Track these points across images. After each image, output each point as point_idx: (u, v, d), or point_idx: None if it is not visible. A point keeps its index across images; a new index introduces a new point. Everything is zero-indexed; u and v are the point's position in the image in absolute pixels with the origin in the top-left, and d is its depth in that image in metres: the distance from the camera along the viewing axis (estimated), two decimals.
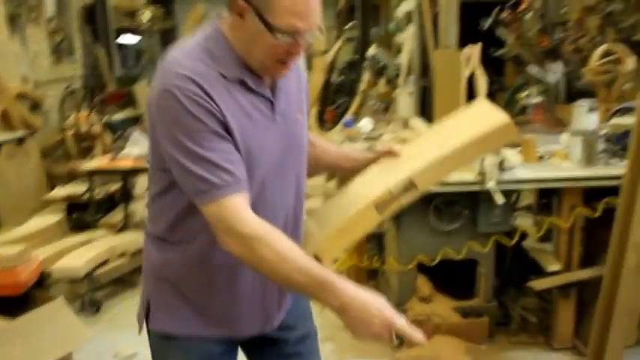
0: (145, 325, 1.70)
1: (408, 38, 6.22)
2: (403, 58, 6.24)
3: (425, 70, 5.80)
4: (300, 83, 1.68)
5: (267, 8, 1.39)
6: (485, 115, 1.94)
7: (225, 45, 1.48)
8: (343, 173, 2.02)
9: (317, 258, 1.69)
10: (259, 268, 1.43)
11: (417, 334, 1.38)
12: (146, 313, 1.66)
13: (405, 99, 5.86)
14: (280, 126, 1.55)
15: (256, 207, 1.47)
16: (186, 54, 1.47)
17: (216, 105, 1.41)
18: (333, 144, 2.11)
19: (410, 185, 1.78)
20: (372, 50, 6.51)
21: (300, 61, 1.63)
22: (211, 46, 1.48)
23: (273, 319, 1.69)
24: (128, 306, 4.10)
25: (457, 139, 1.86)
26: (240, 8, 1.43)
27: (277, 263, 1.39)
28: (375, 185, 1.81)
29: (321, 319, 2.04)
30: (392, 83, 6.31)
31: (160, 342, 1.69)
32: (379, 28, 7.87)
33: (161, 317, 1.64)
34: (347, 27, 8.29)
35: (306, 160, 1.69)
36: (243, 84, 1.49)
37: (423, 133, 2.17)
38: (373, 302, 1.38)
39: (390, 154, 1.89)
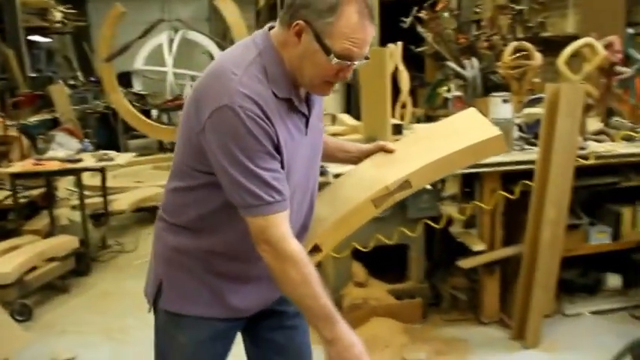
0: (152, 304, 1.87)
1: None
2: None
3: None
4: None
5: (327, 32, 1.53)
6: (476, 125, 2.11)
7: (278, 61, 1.62)
8: (337, 162, 2.19)
9: (317, 247, 1.92)
10: (280, 282, 1.63)
11: None
12: (156, 293, 1.82)
13: (330, 97, 6.16)
14: (309, 138, 1.74)
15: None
16: (246, 71, 1.57)
17: (273, 126, 1.56)
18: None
19: (405, 184, 1.95)
20: None
21: None
22: (266, 62, 1.60)
23: (274, 298, 1.91)
24: (61, 311, 4.18)
25: (451, 145, 2.03)
26: (300, 28, 1.55)
27: (298, 285, 1.60)
28: (372, 181, 1.98)
29: None
30: None
31: (169, 320, 1.84)
32: None
33: (173, 298, 1.80)
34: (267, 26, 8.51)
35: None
36: (289, 102, 1.64)
37: (415, 135, 2.37)
38: (358, 346, 1.64)
39: (383, 150, 2.07)
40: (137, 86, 9.67)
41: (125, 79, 9.04)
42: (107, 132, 8.23)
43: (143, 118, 7.19)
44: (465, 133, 2.07)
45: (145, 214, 5.84)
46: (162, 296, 1.82)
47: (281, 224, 1.60)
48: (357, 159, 2.11)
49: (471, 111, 2.22)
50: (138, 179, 6.69)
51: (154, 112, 8.79)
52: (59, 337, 3.75)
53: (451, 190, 4.92)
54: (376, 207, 1.94)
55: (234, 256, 1.74)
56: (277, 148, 1.60)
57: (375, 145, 2.10)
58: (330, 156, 2.15)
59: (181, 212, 1.75)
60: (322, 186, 2.10)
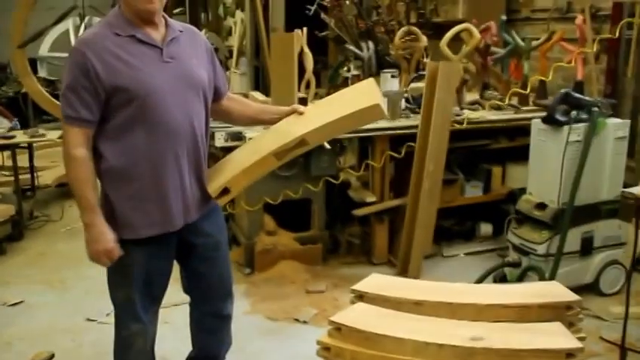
0: None
1: (237, 22, 7.32)
2: (234, 41, 7.33)
3: (257, 51, 6.94)
4: (195, 41, 2.62)
5: None
6: (365, 95, 2.71)
7: (119, 13, 2.40)
8: (262, 124, 2.86)
9: (227, 189, 2.60)
10: (67, 176, 2.42)
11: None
12: None
13: (238, 79, 6.95)
14: (173, 65, 2.43)
15: (159, 123, 2.40)
16: (90, 29, 2.44)
17: (93, 65, 2.29)
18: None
19: (303, 142, 2.60)
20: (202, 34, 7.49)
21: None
22: (111, 18, 2.40)
23: (192, 212, 2.60)
24: (2, 268, 4.74)
25: (340, 111, 2.65)
26: None
27: (73, 180, 2.38)
28: (277, 138, 2.64)
29: None
30: (223, 65, 7.35)
31: None
32: (208, 13, 8.87)
33: (113, 228, 2.44)
34: (176, 11, 9.18)
35: (206, 101, 2.60)
36: (134, 38, 2.36)
37: (325, 99, 3.07)
38: (106, 236, 2.40)
39: (296, 112, 2.75)
40: (42, 72, 10.03)
41: (30, 65, 9.39)
42: (17, 118, 8.64)
43: (57, 102, 7.68)
44: (354, 101, 2.71)
45: (67, 188, 6.39)
46: None
47: (73, 135, 2.35)
48: (277, 119, 2.80)
49: (369, 81, 2.92)
50: (52, 160, 7.28)
51: None
52: (4, 288, 4.36)
53: (350, 161, 5.83)
54: (278, 160, 2.62)
55: (141, 174, 2.43)
56: (96, 78, 2.30)
57: (291, 107, 2.81)
58: (256, 119, 2.91)
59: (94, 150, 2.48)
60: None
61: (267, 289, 4.25)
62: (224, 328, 3.00)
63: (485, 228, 4.96)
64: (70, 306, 4.06)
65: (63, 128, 2.38)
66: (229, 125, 4.10)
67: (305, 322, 3.78)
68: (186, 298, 2.97)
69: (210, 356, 3.05)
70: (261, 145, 2.71)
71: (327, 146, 4.19)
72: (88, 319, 3.85)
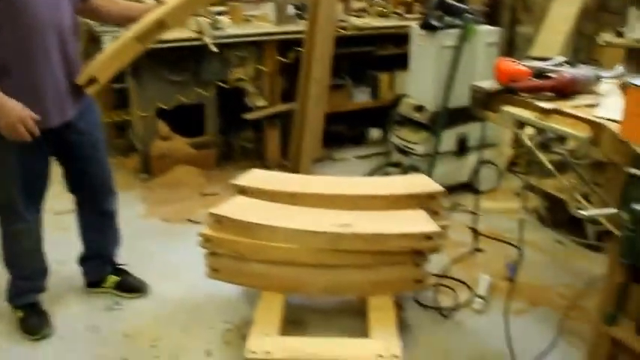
0: None
1: None
2: None
3: None
4: None
5: None
6: None
7: None
8: (132, 20, 2.78)
9: (94, 78, 2.64)
10: None
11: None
12: None
13: None
14: None
15: (26, 19, 2.38)
16: None
17: None
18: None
19: (161, 23, 2.69)
20: None
21: None
22: None
23: (68, 108, 2.63)
24: None
25: None
26: None
27: None
28: (139, 24, 2.70)
29: None
30: None
31: None
32: None
33: None
34: None
35: None
36: None
37: None
38: (13, 105, 2.39)
39: (159, 2, 2.77)
40: None
41: None
42: None
43: None
44: None
45: None
46: None
47: None
48: (144, 14, 2.78)
49: None
50: None
51: None
52: None
53: (249, 72, 5.87)
54: (142, 44, 2.70)
55: (11, 73, 2.43)
56: None
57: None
58: (125, 15, 2.86)
59: None
60: None
61: (163, 193, 4.32)
62: (111, 225, 3.12)
63: (375, 132, 5.15)
64: None
65: None
66: (116, 29, 3.98)
67: (198, 222, 3.89)
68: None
69: (100, 254, 3.16)
70: (126, 34, 2.76)
71: (215, 49, 4.22)
72: None
